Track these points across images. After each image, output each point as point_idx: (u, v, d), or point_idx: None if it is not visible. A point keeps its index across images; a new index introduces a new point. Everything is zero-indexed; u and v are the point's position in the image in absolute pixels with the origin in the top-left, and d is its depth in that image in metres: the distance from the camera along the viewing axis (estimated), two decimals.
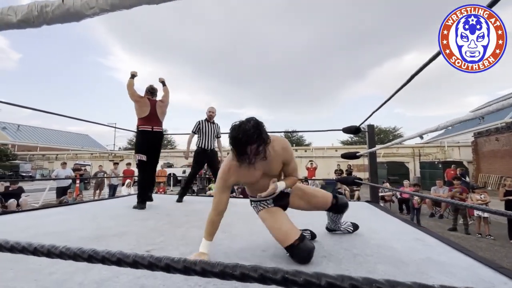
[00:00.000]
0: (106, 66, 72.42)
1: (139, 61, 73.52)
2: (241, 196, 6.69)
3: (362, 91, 66.57)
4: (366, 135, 3.63)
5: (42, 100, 64.08)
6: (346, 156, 3.58)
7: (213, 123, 3.70)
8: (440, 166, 13.76)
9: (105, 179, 9.51)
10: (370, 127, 3.62)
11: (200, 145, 3.58)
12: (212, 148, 3.62)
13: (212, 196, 5.45)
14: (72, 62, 71.50)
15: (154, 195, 4.58)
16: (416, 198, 6.15)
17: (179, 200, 3.48)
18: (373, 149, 3.29)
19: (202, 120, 3.66)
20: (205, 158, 3.59)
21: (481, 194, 5.27)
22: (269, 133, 1.34)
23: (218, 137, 3.77)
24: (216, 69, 71.76)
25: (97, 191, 9.30)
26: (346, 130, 3.48)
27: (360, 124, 3.42)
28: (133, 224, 2.13)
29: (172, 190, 12.88)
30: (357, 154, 3.42)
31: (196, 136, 3.66)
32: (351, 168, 11.74)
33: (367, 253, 1.41)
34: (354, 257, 1.35)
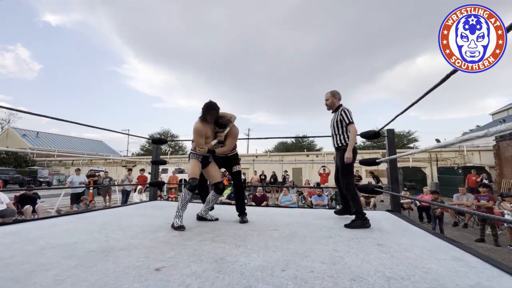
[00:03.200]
0: (121, 75, 74.52)
1: (152, 69, 75.24)
2: (252, 203, 6.54)
3: (373, 94, 65.27)
4: (385, 140, 3.44)
5: (60, 108, 66.51)
6: (364, 162, 3.38)
7: (336, 111, 2.77)
8: (460, 171, 13.16)
9: (111, 184, 9.59)
10: (390, 131, 3.42)
11: None
12: (336, 145, 2.77)
13: (224, 203, 5.25)
14: (89, 72, 74.03)
15: (165, 202, 4.51)
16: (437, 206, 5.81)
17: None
18: (395, 156, 3.09)
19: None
20: (336, 159, 2.83)
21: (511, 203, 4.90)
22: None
23: (346, 124, 2.65)
24: (227, 75, 72.51)
25: (106, 197, 9.37)
26: (365, 135, 3.29)
27: (380, 129, 3.23)
28: (143, 235, 2.04)
29: None
30: (377, 160, 3.23)
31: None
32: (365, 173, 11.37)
33: (402, 276, 1.24)
34: (388, 281, 1.19)
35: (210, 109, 2.52)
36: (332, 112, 2.83)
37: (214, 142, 2.64)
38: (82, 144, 38.06)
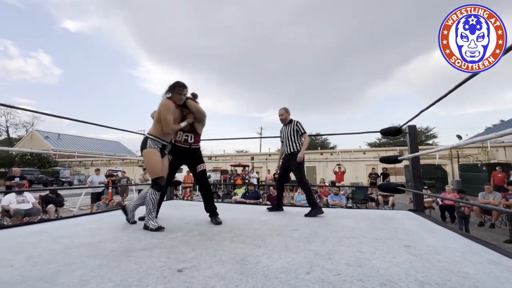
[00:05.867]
0: (136, 77, 76.47)
1: (166, 70, 76.62)
2: (268, 202, 6.51)
3: (389, 90, 63.31)
4: (407, 137, 3.29)
5: (79, 111, 69.13)
6: (385, 160, 3.27)
7: (290, 123, 3.30)
8: (484, 168, 12.52)
9: (129, 184, 9.82)
10: (412, 128, 3.27)
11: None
12: (290, 151, 3.23)
13: (240, 202, 5.25)
14: (106, 75, 76.47)
15: (181, 201, 4.57)
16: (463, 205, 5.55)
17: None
18: (417, 153, 2.96)
19: (282, 127, 3.46)
20: (284, 163, 3.34)
21: None
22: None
23: (300, 134, 3.23)
24: (239, 74, 72.70)
25: (123, 196, 9.60)
26: (385, 132, 3.18)
27: (401, 126, 3.11)
28: (162, 235, 2.05)
29: (198, 195, 13.04)
30: (399, 158, 3.10)
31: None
32: (386, 170, 10.98)
33: (436, 280, 1.16)
34: (422, 286, 1.12)
35: (181, 87, 2.31)
36: (285, 124, 3.36)
37: (183, 124, 2.38)
38: (101, 145, 39.38)
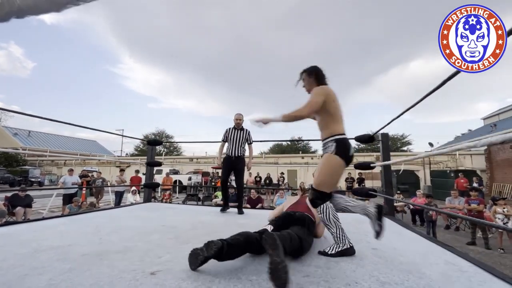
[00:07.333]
0: (116, 75, 73.63)
1: (148, 69, 74.46)
2: (247, 205, 6.54)
3: (367, 98, 65.61)
4: (380, 144, 3.47)
5: (54, 107, 65.41)
6: (359, 166, 3.42)
7: (242, 129, 3.63)
8: (452, 175, 13.36)
9: (104, 185, 9.48)
10: (385, 136, 3.46)
11: (226, 152, 3.63)
12: (237, 155, 3.53)
13: (220, 205, 5.22)
14: (84, 71, 72.85)
15: (159, 204, 4.49)
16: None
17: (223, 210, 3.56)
18: (389, 162, 3.13)
19: (229, 128, 3.67)
20: (229, 164, 3.54)
21: (503, 207, 4.99)
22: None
23: (249, 143, 3.68)
24: (223, 76, 72.09)
25: (98, 198, 9.25)
26: (359, 138, 3.33)
27: (375, 133, 3.27)
28: (137, 238, 2.02)
29: (177, 197, 12.80)
30: (372, 165, 3.27)
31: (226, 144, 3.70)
32: (362, 175, 11.41)
33: (396, 281, 1.26)
34: (382, 286, 1.20)
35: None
36: (238, 129, 3.61)
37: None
38: (75, 144, 37.50)
